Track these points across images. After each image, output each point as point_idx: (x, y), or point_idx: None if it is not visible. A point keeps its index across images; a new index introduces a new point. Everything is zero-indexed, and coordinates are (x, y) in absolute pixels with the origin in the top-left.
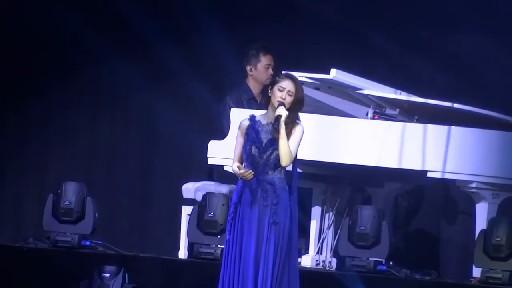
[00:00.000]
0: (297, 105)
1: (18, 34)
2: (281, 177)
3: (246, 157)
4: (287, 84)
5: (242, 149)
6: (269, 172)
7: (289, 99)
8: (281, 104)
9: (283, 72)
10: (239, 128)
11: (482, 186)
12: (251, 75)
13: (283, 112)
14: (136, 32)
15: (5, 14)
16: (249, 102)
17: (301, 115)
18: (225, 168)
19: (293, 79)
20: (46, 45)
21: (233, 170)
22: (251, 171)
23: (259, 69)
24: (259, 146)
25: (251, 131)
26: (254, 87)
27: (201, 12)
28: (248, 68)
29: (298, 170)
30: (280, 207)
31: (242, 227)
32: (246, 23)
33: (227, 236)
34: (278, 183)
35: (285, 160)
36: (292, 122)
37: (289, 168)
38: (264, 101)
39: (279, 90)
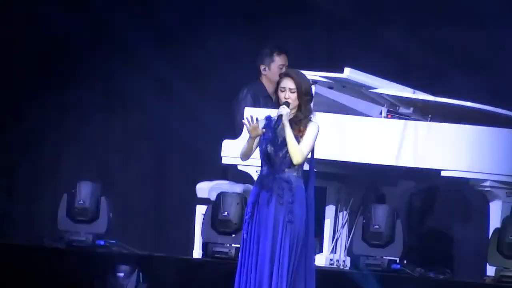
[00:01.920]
0: (305, 98)
1: (34, 37)
2: (297, 175)
3: (262, 156)
4: (286, 83)
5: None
6: (286, 170)
7: (293, 96)
8: (285, 103)
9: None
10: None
11: (496, 184)
12: (265, 75)
13: (284, 111)
14: (148, 33)
15: (22, 18)
16: (265, 99)
17: (315, 113)
18: (239, 167)
19: (291, 76)
20: (60, 46)
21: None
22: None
23: (273, 69)
24: (275, 144)
25: (268, 129)
26: (268, 85)
27: (213, 12)
28: (262, 67)
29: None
30: (295, 205)
31: (259, 226)
32: (259, 23)
33: (244, 235)
34: (294, 181)
35: (295, 158)
36: (305, 117)
37: (306, 167)
38: (276, 101)
39: (281, 91)
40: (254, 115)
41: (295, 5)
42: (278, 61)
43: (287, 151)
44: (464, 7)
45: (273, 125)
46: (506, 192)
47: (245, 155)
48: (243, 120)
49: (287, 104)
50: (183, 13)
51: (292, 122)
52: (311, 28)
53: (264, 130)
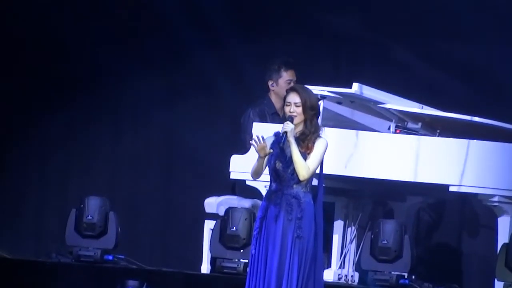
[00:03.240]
0: (311, 113)
1: (41, 49)
2: (306, 191)
3: (270, 172)
4: (291, 97)
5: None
6: (294, 186)
7: (299, 110)
8: (289, 119)
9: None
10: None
11: (504, 200)
12: (273, 90)
13: (288, 127)
14: (158, 47)
15: (27, 31)
16: (272, 116)
17: (324, 129)
18: (247, 182)
19: (296, 90)
20: (68, 60)
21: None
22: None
23: (281, 84)
24: (283, 160)
25: (275, 145)
26: (276, 101)
27: (222, 26)
28: (270, 83)
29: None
30: (304, 221)
31: (267, 242)
32: (267, 37)
33: (253, 251)
34: (303, 197)
35: (301, 173)
36: (311, 133)
37: (315, 183)
38: (284, 117)
39: (286, 105)
40: (261, 135)
41: (303, 20)
42: (286, 77)
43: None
44: (471, 23)
45: (280, 142)
46: None
47: (256, 173)
48: (251, 141)
49: (291, 119)
50: (194, 26)
51: (299, 139)
52: (319, 43)
53: (271, 150)
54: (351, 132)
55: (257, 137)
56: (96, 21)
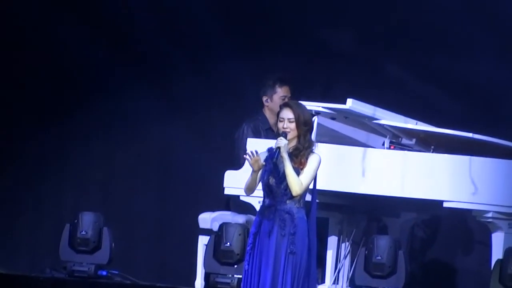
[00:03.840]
0: (304, 128)
1: (35, 65)
2: (299, 206)
3: (264, 187)
4: (284, 113)
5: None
6: (287, 201)
7: (291, 126)
8: (282, 134)
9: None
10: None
11: (498, 216)
12: (267, 106)
13: (281, 143)
14: (152, 63)
15: (20, 45)
16: (266, 132)
17: (317, 144)
18: (241, 198)
19: (290, 106)
20: (63, 75)
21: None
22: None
23: (275, 100)
24: (276, 176)
25: (269, 161)
26: (270, 117)
27: (218, 43)
28: (264, 98)
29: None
30: (297, 237)
31: (261, 257)
32: (263, 54)
33: (246, 266)
34: (296, 212)
35: (294, 190)
36: (305, 148)
37: (308, 198)
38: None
39: (280, 121)
40: (255, 149)
41: (297, 36)
42: (280, 93)
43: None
44: (466, 38)
45: (273, 157)
46: (509, 223)
47: (250, 189)
48: (244, 156)
49: (285, 135)
50: (185, 44)
51: (292, 155)
52: (313, 59)
53: (264, 163)
54: (345, 148)
55: (251, 151)
56: (90, 36)
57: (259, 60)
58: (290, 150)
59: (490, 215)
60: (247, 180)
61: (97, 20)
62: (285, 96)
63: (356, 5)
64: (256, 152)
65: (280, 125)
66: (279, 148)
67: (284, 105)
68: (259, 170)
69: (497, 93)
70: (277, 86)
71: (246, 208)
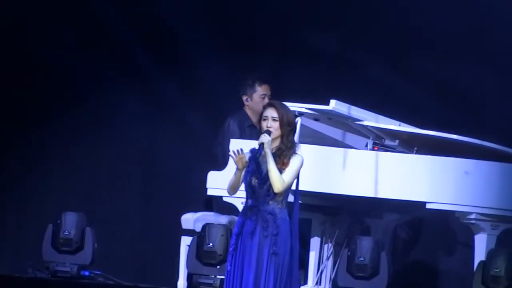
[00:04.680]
0: (287, 128)
1: (20, 65)
2: (282, 207)
3: (246, 188)
4: (268, 112)
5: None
6: (270, 202)
7: (275, 125)
8: (266, 132)
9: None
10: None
11: (481, 217)
12: (247, 105)
13: (265, 139)
14: (135, 63)
15: (5, 45)
16: (250, 128)
17: (300, 145)
18: (224, 198)
19: (274, 105)
20: (47, 76)
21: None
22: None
23: (255, 99)
24: (259, 176)
25: (252, 162)
26: (251, 116)
27: (200, 44)
28: (244, 97)
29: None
30: (280, 237)
31: (243, 258)
32: (246, 54)
33: (228, 267)
34: (278, 213)
35: (275, 185)
36: (287, 149)
37: (291, 199)
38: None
39: (263, 120)
40: (240, 147)
41: (280, 37)
42: (260, 91)
43: (271, 184)
44: (449, 41)
45: (256, 156)
46: (491, 225)
47: (233, 189)
48: (229, 153)
49: (269, 132)
50: (167, 44)
51: (275, 155)
52: (296, 60)
53: (248, 161)
54: (328, 149)
55: (236, 149)
56: (74, 38)
57: (240, 60)
58: (273, 150)
59: (473, 216)
60: (230, 179)
61: (80, 22)
62: (265, 95)
63: (340, 6)
64: (241, 150)
65: (263, 123)
66: (262, 144)
67: (268, 105)
68: (243, 169)
69: (480, 95)
70: (256, 84)
71: (229, 208)
